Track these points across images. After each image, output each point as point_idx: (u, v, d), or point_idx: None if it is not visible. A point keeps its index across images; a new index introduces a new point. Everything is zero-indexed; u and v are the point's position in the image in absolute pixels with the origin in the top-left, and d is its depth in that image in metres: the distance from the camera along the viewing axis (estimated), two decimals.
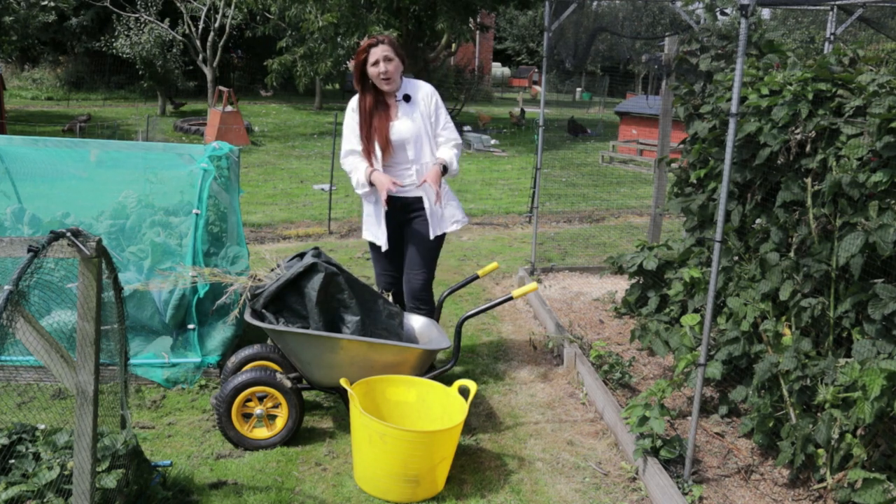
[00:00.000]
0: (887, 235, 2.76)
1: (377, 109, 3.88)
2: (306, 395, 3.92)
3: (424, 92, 3.96)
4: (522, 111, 20.81)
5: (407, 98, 3.92)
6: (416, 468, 3.06)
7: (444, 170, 3.88)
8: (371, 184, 3.85)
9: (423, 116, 3.91)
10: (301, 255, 3.63)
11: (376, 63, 3.78)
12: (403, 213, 3.96)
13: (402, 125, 3.87)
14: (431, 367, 3.71)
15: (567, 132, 18.38)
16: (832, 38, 5.56)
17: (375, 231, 3.99)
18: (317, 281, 3.40)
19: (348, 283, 3.52)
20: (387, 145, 3.85)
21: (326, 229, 7.98)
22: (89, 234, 2.21)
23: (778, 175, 3.44)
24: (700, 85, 4.35)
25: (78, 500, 2.32)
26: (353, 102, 3.97)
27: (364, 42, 3.83)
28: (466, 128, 18.25)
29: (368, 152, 3.88)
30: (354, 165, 3.92)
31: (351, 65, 26.99)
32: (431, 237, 3.94)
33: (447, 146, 3.98)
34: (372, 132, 3.87)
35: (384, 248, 3.97)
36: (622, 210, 9.79)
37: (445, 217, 3.99)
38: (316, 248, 3.66)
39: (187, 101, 21.39)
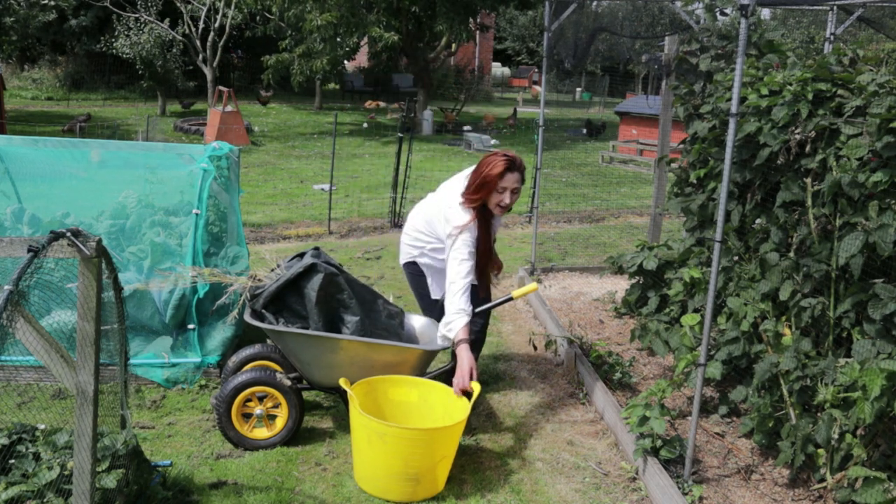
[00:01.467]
0: (887, 235, 2.76)
1: (487, 232, 3.63)
2: (306, 395, 3.91)
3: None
4: (514, 111, 20.84)
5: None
6: (417, 467, 3.06)
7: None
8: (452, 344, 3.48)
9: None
10: (301, 255, 3.63)
11: (503, 190, 3.47)
12: None
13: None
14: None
15: (585, 133, 18.36)
16: (832, 38, 5.56)
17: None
18: (316, 281, 3.40)
19: (348, 283, 3.52)
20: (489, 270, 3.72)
21: (326, 229, 7.98)
22: (89, 234, 2.21)
23: (778, 175, 3.44)
24: (700, 85, 4.35)
25: (78, 500, 2.32)
26: (469, 220, 3.50)
27: (504, 161, 3.46)
28: (466, 127, 18.25)
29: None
30: (461, 310, 3.41)
31: (349, 65, 26.88)
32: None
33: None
34: (484, 263, 3.66)
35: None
36: (622, 210, 9.79)
37: None
38: (316, 248, 3.66)
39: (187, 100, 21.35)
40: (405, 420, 3.42)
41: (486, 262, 3.68)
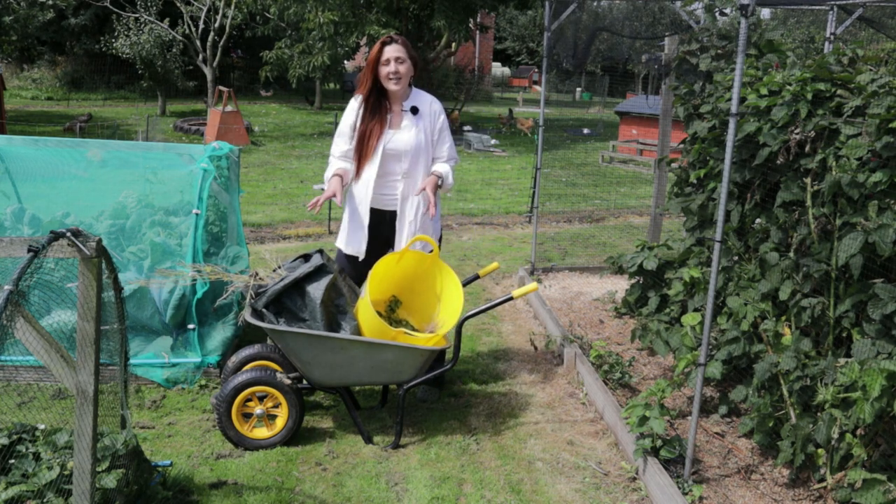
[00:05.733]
0: (887, 235, 2.76)
1: (378, 114, 3.75)
2: (306, 395, 3.91)
3: (432, 108, 3.85)
4: (510, 110, 20.84)
5: (414, 110, 3.80)
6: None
7: (440, 182, 3.77)
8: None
9: (426, 131, 3.79)
10: (304, 257, 3.63)
11: (387, 62, 3.66)
12: (391, 227, 3.83)
13: (403, 136, 3.74)
14: (434, 365, 3.72)
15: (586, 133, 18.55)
16: (832, 37, 5.56)
17: (353, 240, 3.86)
18: (324, 281, 3.41)
19: (349, 287, 3.53)
20: (374, 154, 3.72)
21: (326, 229, 7.98)
22: (89, 234, 2.21)
23: (777, 175, 3.44)
24: (700, 85, 4.35)
25: (78, 500, 2.32)
26: (355, 101, 3.81)
27: (379, 40, 3.73)
28: (466, 127, 18.25)
29: (360, 156, 3.76)
30: (332, 162, 3.86)
31: (349, 65, 26.95)
32: (397, 248, 3.79)
33: (443, 162, 3.87)
34: (367, 137, 3.74)
35: (361, 257, 3.82)
36: (622, 210, 9.79)
37: (427, 232, 3.84)
38: (320, 251, 3.66)
39: (185, 101, 21.37)
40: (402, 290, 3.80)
41: (367, 143, 3.76)
